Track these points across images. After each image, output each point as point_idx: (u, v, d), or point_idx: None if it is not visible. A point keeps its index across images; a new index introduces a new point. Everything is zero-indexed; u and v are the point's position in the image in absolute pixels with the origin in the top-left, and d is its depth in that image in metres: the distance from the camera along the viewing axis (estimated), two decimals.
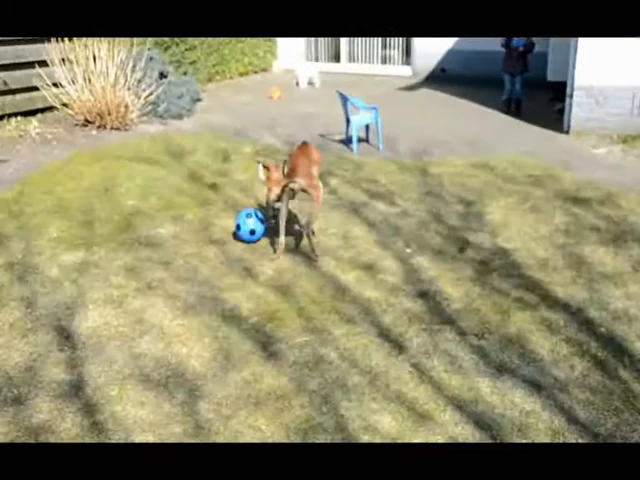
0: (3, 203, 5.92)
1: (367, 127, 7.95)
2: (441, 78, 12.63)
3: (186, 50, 11.66)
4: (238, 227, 4.85)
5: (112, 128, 8.77)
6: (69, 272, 4.45)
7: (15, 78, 9.01)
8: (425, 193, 5.98)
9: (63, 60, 8.56)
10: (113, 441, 2.86)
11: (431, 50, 12.80)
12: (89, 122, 8.84)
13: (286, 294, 4.13)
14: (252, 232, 4.83)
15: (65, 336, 3.69)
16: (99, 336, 3.67)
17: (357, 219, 5.36)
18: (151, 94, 9.08)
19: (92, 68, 8.60)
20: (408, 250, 4.74)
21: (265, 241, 4.92)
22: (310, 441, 2.84)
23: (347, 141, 7.89)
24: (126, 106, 8.86)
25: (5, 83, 8.93)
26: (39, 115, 9.26)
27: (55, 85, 8.66)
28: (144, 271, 4.48)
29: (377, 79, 13.20)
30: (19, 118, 8.95)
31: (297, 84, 12.27)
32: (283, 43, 14.41)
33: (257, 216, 4.87)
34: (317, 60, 14.58)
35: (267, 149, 7.66)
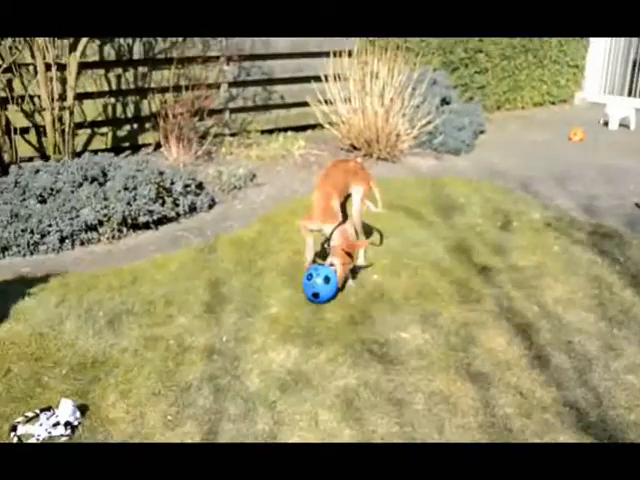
0: (237, 246, 4.99)
1: None
2: None
3: (476, 73, 10.09)
4: (310, 276, 4.05)
5: (379, 158, 7.61)
6: (271, 387, 3.23)
7: (292, 92, 8.36)
8: None
9: (338, 76, 7.61)
10: None
11: None
12: (355, 148, 7.80)
13: None
14: (315, 295, 4.02)
15: None
16: None
17: None
18: (429, 123, 7.70)
19: (367, 89, 7.51)
20: None
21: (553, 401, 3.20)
22: None
23: None
24: (397, 135, 7.62)
25: (282, 97, 8.33)
26: (308, 132, 8.50)
27: (327, 102, 7.78)
28: (366, 410, 3.07)
29: None
30: (289, 133, 8.27)
31: (605, 124, 9.91)
32: (591, 70, 12.01)
33: (330, 278, 4.03)
34: (632, 94, 11.89)
35: (560, 218, 5.76)
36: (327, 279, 4.02)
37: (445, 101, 8.56)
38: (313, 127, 8.47)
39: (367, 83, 7.52)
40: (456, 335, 3.74)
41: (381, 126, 7.50)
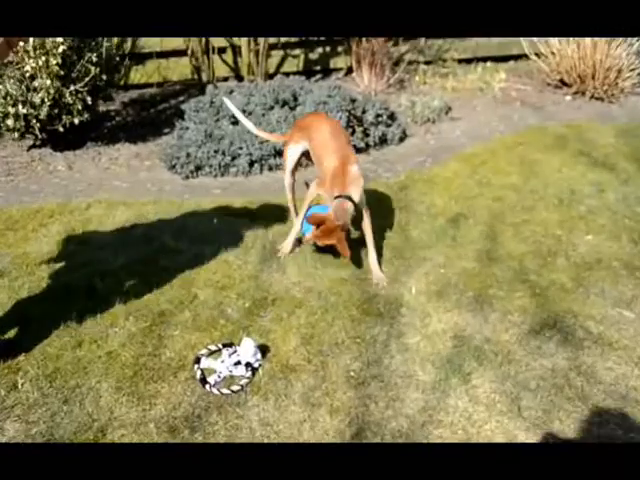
0: (429, 185, 4.47)
1: None
2: None
3: None
4: None
5: (592, 97, 6.57)
6: (466, 356, 2.79)
7: None
8: None
9: None
10: None
11: None
12: (565, 84, 6.79)
13: None
14: None
15: None
16: None
17: None
18: None
19: None
20: None
21: None
22: None
23: None
24: (619, 70, 6.50)
25: None
26: (510, 63, 7.57)
27: None
28: (580, 402, 2.55)
29: None
30: (488, 64, 7.42)
31: None
32: None
33: None
34: None
35: None
36: None
37: None
38: (516, 58, 7.52)
39: None
40: None
41: (600, 59, 6.42)
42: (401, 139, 5.45)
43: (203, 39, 6.11)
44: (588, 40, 6.42)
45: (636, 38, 6.37)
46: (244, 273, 3.39)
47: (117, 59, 5.34)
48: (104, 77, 4.95)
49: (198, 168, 4.75)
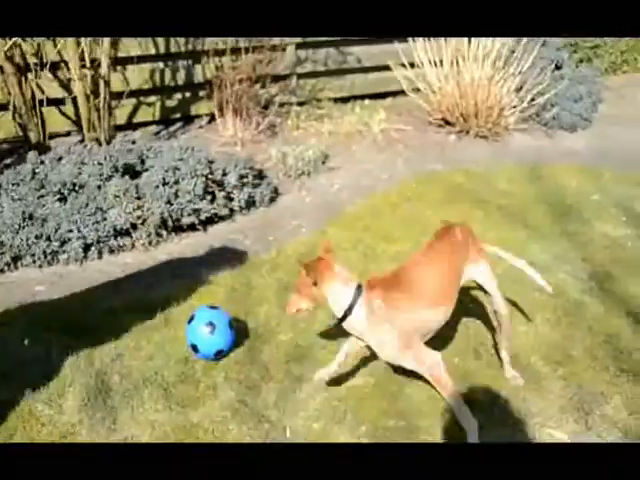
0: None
1: None
2: None
3: None
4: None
5: (477, 135, 6.13)
6: None
7: (371, 54, 6.88)
8: None
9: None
10: None
11: None
12: (448, 123, 6.32)
13: None
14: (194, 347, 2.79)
15: None
16: None
17: None
18: (541, 94, 6.14)
19: (464, 51, 6.01)
20: None
21: None
22: None
23: None
24: (501, 108, 6.11)
25: (359, 60, 6.90)
26: (388, 100, 7.04)
27: (412, 66, 6.31)
28: None
29: None
30: (366, 102, 6.85)
31: None
32: None
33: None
34: None
35: None
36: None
37: (556, 65, 6.93)
38: (394, 94, 7.01)
39: (464, 44, 6.02)
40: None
41: (481, 98, 6.00)
42: (272, 199, 4.67)
43: (29, 91, 5.05)
44: (468, 78, 6.00)
45: (515, 75, 6.01)
46: (55, 430, 2.42)
47: None
48: None
49: (16, 258, 3.73)
